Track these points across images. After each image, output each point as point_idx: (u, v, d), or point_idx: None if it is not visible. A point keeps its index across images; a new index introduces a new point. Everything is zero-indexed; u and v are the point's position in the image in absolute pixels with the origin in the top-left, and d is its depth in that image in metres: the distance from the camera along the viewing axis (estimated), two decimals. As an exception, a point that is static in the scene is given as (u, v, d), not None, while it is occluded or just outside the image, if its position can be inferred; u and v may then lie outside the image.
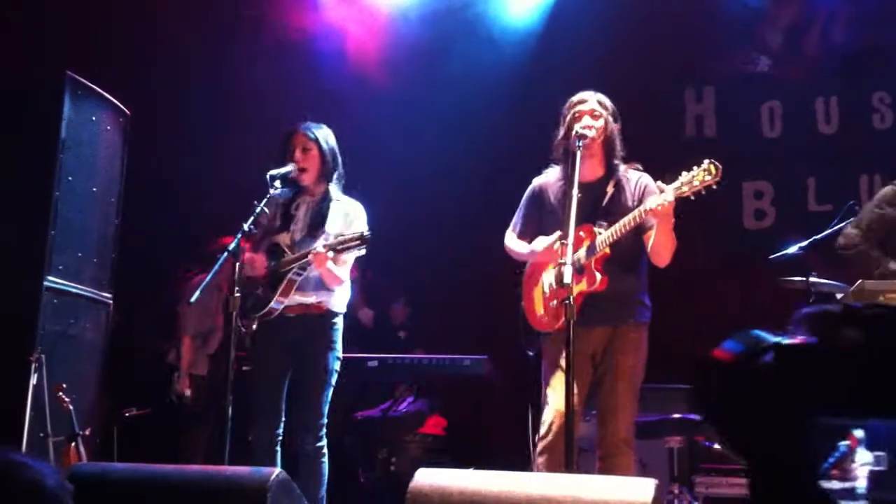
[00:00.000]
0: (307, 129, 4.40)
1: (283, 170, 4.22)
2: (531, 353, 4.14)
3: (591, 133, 3.96)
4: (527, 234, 4.21)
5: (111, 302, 4.90)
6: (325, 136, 4.42)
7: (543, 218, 4.15)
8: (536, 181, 4.25)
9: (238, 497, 2.84)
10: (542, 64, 7.01)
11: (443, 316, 6.83)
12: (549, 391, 3.93)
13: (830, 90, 7.16)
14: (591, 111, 4.05)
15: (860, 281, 3.89)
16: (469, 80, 6.85)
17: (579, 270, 3.87)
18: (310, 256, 4.08)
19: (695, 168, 3.70)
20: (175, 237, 6.78)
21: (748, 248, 6.68)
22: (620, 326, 3.99)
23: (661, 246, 3.87)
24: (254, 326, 4.24)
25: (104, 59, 5.96)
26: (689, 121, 7.44)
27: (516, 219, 4.28)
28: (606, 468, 3.90)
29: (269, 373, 4.24)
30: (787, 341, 1.52)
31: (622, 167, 4.12)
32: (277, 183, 4.11)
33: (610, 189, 4.05)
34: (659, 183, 3.82)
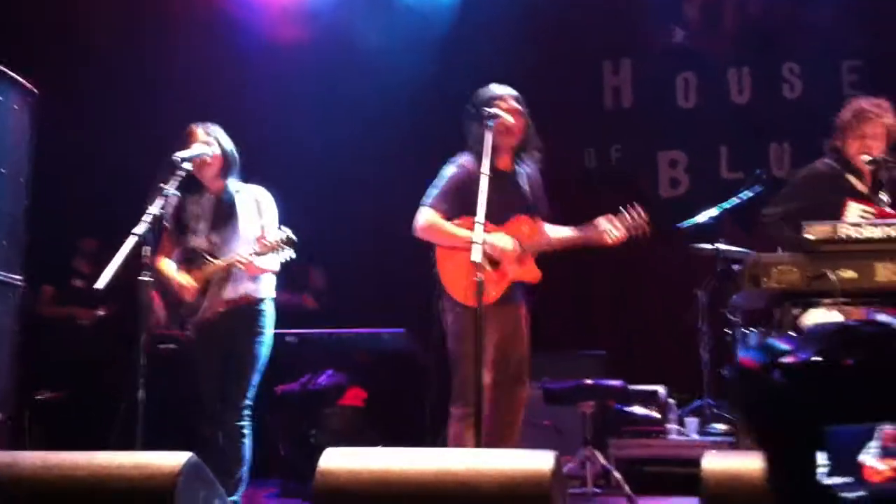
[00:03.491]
0: (207, 129, 4.30)
1: (191, 152, 4.10)
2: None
3: (513, 127, 4.13)
4: (453, 217, 4.14)
5: (21, 284, 4.83)
6: (222, 135, 4.35)
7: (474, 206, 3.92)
8: (466, 163, 4.16)
9: (147, 483, 2.86)
10: (462, 38, 7.04)
11: (356, 289, 6.90)
12: (465, 363, 4.03)
13: (743, 61, 7.35)
14: (515, 109, 4.15)
15: (756, 254, 4.05)
16: (388, 54, 6.84)
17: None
18: (239, 266, 4.11)
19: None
20: (86, 214, 6.73)
21: (664, 216, 6.83)
22: (519, 304, 4.28)
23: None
24: (189, 331, 4.31)
25: (12, 38, 5.81)
26: (606, 92, 7.55)
27: (440, 199, 4.15)
28: (508, 433, 4.17)
29: (210, 372, 4.27)
30: (789, 360, 1.69)
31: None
32: (186, 164, 4.01)
33: (522, 181, 4.24)
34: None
